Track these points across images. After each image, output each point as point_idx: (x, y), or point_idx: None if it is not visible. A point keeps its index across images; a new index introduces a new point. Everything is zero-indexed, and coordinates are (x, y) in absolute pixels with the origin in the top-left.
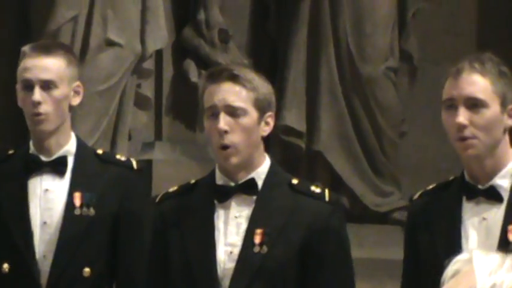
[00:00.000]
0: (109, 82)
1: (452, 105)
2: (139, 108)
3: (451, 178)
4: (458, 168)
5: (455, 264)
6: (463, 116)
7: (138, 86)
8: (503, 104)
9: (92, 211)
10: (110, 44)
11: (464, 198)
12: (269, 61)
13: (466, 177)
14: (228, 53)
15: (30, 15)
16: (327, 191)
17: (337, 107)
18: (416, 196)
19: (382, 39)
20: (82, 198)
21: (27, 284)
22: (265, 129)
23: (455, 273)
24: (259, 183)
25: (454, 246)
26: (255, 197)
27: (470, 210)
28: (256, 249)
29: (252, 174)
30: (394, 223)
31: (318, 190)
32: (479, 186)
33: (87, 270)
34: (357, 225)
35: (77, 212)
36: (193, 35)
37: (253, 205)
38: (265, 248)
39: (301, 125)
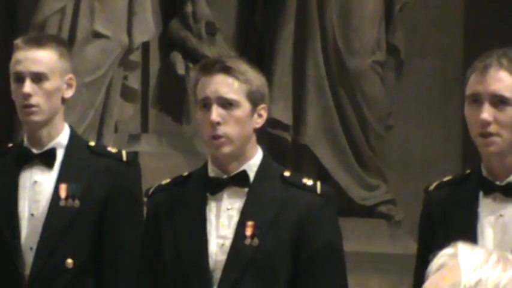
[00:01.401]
0: (95, 74)
1: (477, 100)
2: (125, 100)
3: (468, 172)
4: (444, 161)
5: (441, 258)
6: (487, 112)
7: (125, 78)
8: None
9: (77, 202)
10: (97, 36)
11: (481, 193)
12: (256, 54)
13: (484, 172)
14: (215, 45)
15: (16, 7)
16: (318, 183)
17: (323, 101)
18: (432, 187)
19: (369, 32)
20: (68, 189)
21: (11, 275)
22: (258, 122)
23: (440, 267)
24: (251, 175)
25: (470, 243)
26: (246, 189)
27: (487, 207)
28: (248, 241)
29: (244, 167)
30: (380, 217)
31: (309, 182)
32: (497, 183)
33: (70, 261)
34: (343, 219)
35: (62, 203)
36: (180, 28)
37: (245, 197)
38: (256, 241)
39: (287, 118)
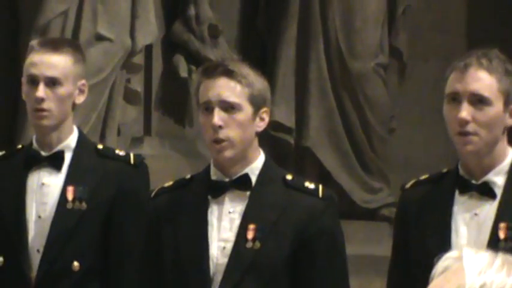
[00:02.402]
0: (98, 77)
1: (455, 99)
2: (128, 103)
3: (445, 170)
4: (446, 164)
5: (445, 261)
6: (466, 111)
7: (128, 80)
8: (506, 103)
9: (83, 205)
10: (100, 38)
11: (457, 192)
12: (259, 57)
13: (461, 171)
14: (218, 48)
15: (20, 10)
16: (320, 187)
17: (326, 103)
18: (408, 185)
19: (372, 35)
20: (75, 192)
21: (18, 277)
22: (260, 125)
23: (445, 270)
24: (253, 178)
25: (444, 240)
26: (248, 193)
27: (462, 205)
28: (249, 244)
29: (246, 170)
30: (383, 219)
31: (311, 186)
32: (473, 181)
33: (76, 264)
34: (345, 222)
35: (69, 205)
36: (183, 30)
37: (247, 201)
38: (257, 244)
39: (290, 121)
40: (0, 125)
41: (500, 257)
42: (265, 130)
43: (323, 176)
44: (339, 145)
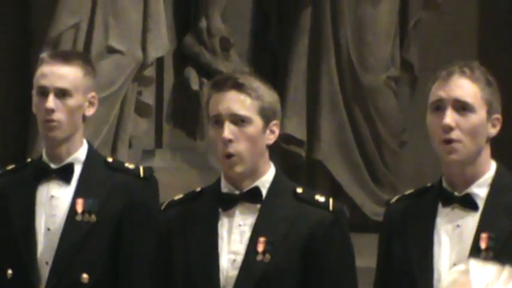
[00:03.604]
0: (110, 89)
1: (439, 108)
2: (140, 116)
3: (429, 184)
4: None
5: (452, 274)
6: (450, 117)
7: (139, 93)
8: (489, 112)
9: (93, 217)
10: (111, 51)
11: (440, 204)
12: (270, 70)
13: (444, 183)
14: (229, 61)
15: (31, 22)
16: (331, 200)
17: (337, 116)
18: (393, 200)
19: (383, 48)
20: (84, 204)
21: None
22: (271, 138)
23: (451, 284)
24: (264, 191)
25: (427, 252)
26: (259, 206)
27: (445, 217)
28: (259, 257)
29: (257, 183)
30: None
31: (322, 199)
32: (456, 194)
33: (85, 276)
34: (356, 235)
35: (78, 218)
36: (195, 43)
37: (257, 213)
38: (268, 257)
39: (301, 134)
40: (11, 138)
41: (507, 269)
42: (276, 143)
43: (334, 188)
44: (350, 158)
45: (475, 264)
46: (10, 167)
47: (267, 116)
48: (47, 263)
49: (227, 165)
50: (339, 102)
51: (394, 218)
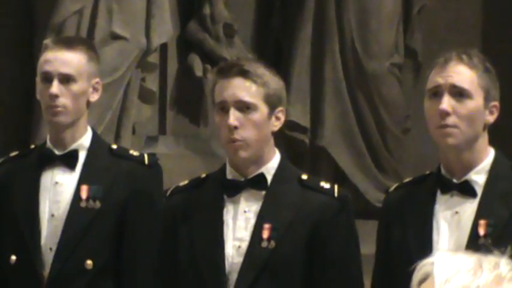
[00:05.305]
0: (113, 75)
1: (436, 93)
2: (143, 102)
3: (427, 172)
4: None
5: (421, 268)
6: (447, 103)
7: (143, 79)
8: (487, 99)
9: (97, 204)
10: (115, 37)
11: (438, 191)
12: (273, 56)
13: (442, 170)
14: (233, 47)
15: (35, 9)
16: (336, 186)
17: (341, 103)
18: (392, 189)
19: (387, 35)
20: (89, 191)
21: (30, 275)
22: (276, 125)
23: (422, 280)
24: (269, 178)
25: (425, 239)
26: (264, 192)
27: (444, 204)
28: (264, 244)
29: (262, 169)
30: None
31: (327, 186)
32: (454, 180)
33: (89, 262)
34: (360, 221)
35: (83, 204)
36: (198, 29)
37: (262, 200)
38: (272, 243)
39: (305, 121)
40: (15, 125)
41: (474, 258)
42: (280, 130)
43: (338, 175)
44: (354, 145)
45: (442, 255)
46: (14, 154)
47: (272, 102)
48: (51, 249)
49: (232, 150)
50: (343, 89)
51: (392, 206)
